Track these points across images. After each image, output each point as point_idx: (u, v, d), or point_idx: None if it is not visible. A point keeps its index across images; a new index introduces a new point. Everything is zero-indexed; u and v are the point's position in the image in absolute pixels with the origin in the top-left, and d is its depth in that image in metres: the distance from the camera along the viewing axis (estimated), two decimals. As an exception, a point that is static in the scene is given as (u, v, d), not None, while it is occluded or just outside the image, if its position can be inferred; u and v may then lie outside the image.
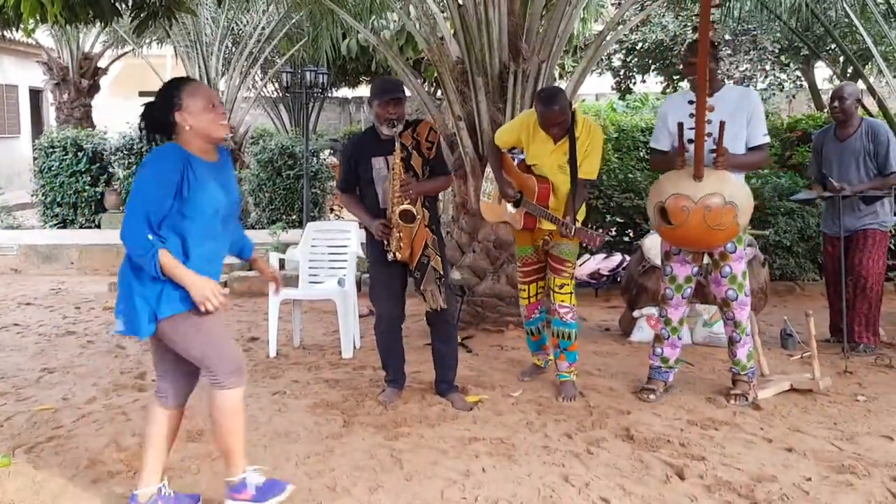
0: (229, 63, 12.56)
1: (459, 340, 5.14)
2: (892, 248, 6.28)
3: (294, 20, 11.69)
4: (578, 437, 3.52)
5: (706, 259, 4.05)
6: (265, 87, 16.14)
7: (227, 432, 2.75)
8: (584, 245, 3.97)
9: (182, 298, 2.60)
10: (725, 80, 11.70)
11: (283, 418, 3.81)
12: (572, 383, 4.12)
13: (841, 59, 11.89)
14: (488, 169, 4.43)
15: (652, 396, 4.01)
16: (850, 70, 12.02)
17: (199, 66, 12.34)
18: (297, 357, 5.03)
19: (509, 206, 4.15)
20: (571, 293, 4.12)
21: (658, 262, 4.67)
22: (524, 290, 4.36)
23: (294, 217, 10.71)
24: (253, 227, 10.90)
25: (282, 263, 7.04)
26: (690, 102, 3.75)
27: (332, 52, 12.28)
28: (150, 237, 2.53)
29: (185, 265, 2.59)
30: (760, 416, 3.78)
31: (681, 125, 3.76)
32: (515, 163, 4.22)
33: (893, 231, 4.98)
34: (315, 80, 11.11)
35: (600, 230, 3.85)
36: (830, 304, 4.95)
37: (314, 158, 11.08)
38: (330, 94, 17.87)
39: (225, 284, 7.92)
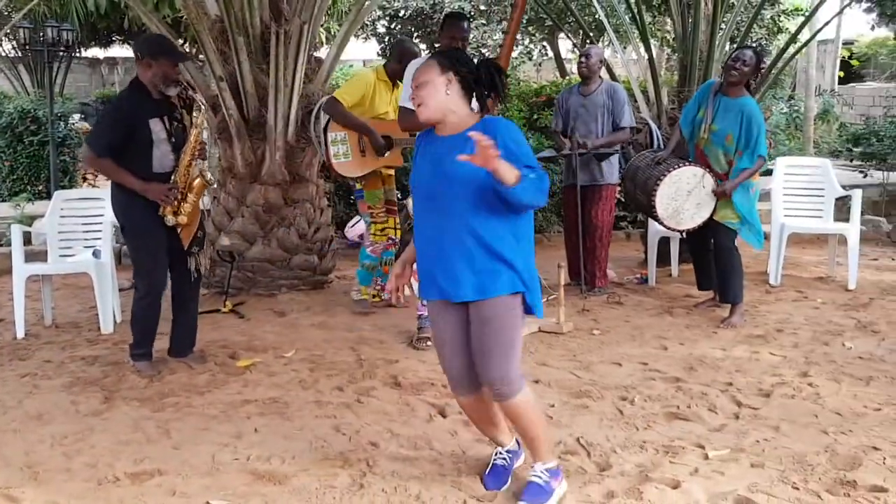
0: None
1: (231, 307, 5.10)
2: (620, 200, 7.11)
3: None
4: (349, 389, 3.66)
5: None
6: (0, 44, 14.40)
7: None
8: None
9: None
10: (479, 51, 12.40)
11: (35, 400, 3.55)
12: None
13: (580, 31, 13.06)
14: (332, 134, 4.82)
15: (429, 343, 4.25)
16: (588, 42, 13.23)
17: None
18: (49, 336, 4.67)
19: (387, 153, 4.79)
20: (399, 227, 5.19)
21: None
22: (380, 226, 5.02)
23: (41, 188, 9.76)
24: (-9, 200, 9.78)
25: (28, 238, 6.44)
26: None
27: (82, 7, 11.23)
28: None
29: None
30: (513, 354, 4.17)
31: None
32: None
33: (620, 185, 5.62)
34: (59, 38, 10.14)
35: None
36: (568, 250, 5.51)
37: (61, 123, 10.13)
38: (78, 54, 16.31)
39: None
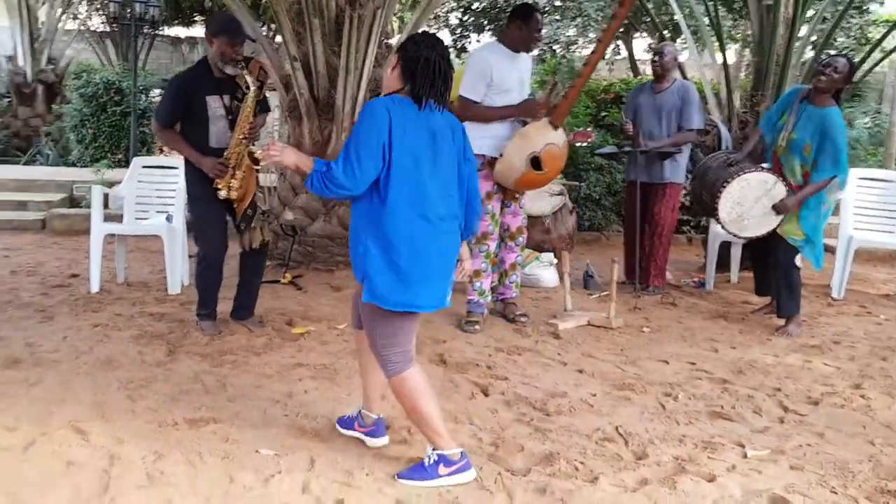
0: (51, -10, 11.62)
1: (290, 279, 5.28)
2: (685, 203, 7.05)
3: (123, -54, 10.95)
4: (398, 363, 3.77)
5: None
6: (89, 18, 15.03)
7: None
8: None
9: None
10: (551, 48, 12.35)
11: (106, 348, 3.79)
12: None
13: (656, 31, 12.87)
14: None
15: (477, 327, 4.35)
16: (662, 41, 13.07)
17: (19, -8, 11.33)
18: (120, 293, 4.94)
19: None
20: None
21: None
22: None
23: (120, 156, 10.19)
24: (75, 165, 10.27)
25: (106, 202, 6.77)
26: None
27: (168, -15, 11.65)
28: None
29: None
30: (559, 343, 4.23)
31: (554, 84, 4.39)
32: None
33: (687, 188, 5.56)
34: (145, 13, 10.55)
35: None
36: (627, 247, 5.50)
37: (143, 96, 10.55)
38: (161, 32, 16.88)
39: (44, 223, 7.50)
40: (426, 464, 2.62)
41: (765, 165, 4.60)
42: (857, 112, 12.25)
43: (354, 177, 2.47)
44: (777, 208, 4.38)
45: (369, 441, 2.84)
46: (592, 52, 4.40)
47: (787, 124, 4.43)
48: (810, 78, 4.42)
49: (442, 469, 2.59)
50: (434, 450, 2.62)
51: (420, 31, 3.88)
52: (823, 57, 4.40)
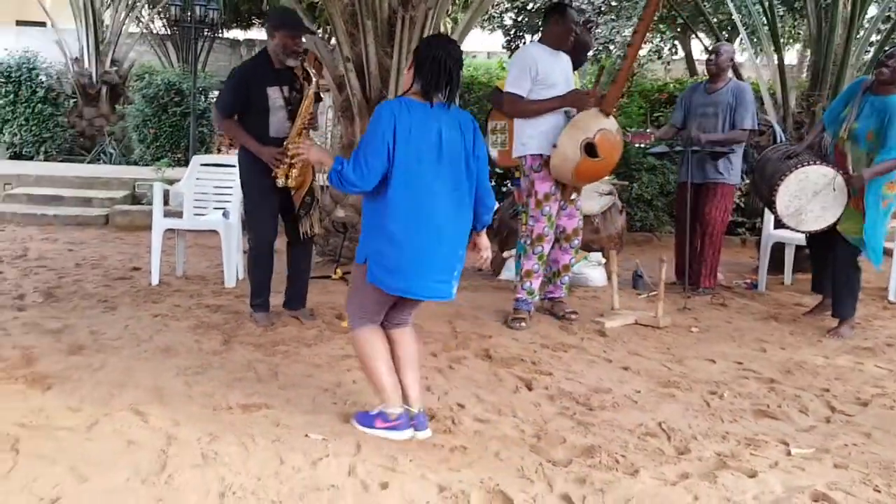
0: (116, -6, 12.05)
1: (341, 275, 5.41)
2: (740, 204, 6.96)
3: (185, -48, 11.31)
4: (443, 356, 3.86)
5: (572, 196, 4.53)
6: (152, 21, 15.51)
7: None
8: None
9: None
10: (607, 48, 12.28)
11: (164, 336, 3.95)
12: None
13: (725, 31, 12.70)
14: (493, 123, 4.76)
15: (524, 324, 4.41)
16: (718, 41, 12.89)
17: (84, -4, 11.78)
18: (179, 285, 5.13)
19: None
20: None
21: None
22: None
23: (180, 155, 10.53)
24: (136, 164, 10.64)
25: (167, 199, 7.03)
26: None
27: (226, -11, 11.94)
28: None
29: None
30: (605, 341, 4.25)
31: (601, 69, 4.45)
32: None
33: (742, 189, 5.53)
34: (205, 16, 10.86)
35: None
36: (678, 248, 5.48)
37: (202, 97, 10.87)
38: (220, 35, 17.33)
39: (107, 219, 7.81)
40: (371, 413, 2.92)
41: (823, 159, 4.53)
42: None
43: (362, 174, 2.69)
44: (849, 184, 4.33)
45: (394, 435, 2.86)
46: (634, 33, 4.40)
47: (849, 115, 4.38)
48: (873, 70, 4.34)
49: (379, 423, 2.87)
50: (381, 404, 2.89)
51: (436, 33, 4.05)
52: (887, 48, 4.31)
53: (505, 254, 5.71)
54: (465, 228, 2.89)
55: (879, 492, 2.57)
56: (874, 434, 3.05)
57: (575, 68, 4.55)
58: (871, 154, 4.32)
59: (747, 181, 5.49)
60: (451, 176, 2.80)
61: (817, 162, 4.42)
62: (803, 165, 4.40)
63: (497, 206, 6.88)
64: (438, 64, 2.75)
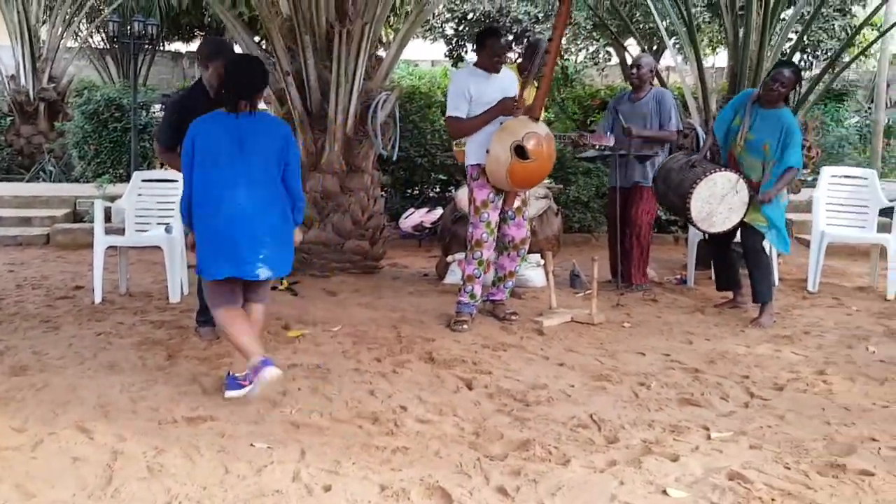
0: (51, 10, 11.84)
1: (287, 285, 5.49)
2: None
3: (122, -33, 11.22)
4: (387, 361, 3.98)
5: (515, 205, 4.66)
6: (91, 36, 15.31)
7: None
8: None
9: None
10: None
11: (108, 354, 3.99)
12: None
13: (655, 37, 13.08)
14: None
15: (465, 327, 4.56)
16: (645, 49, 13.31)
17: (18, 12, 11.58)
18: (122, 303, 5.15)
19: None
20: None
21: (468, 212, 5.21)
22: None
23: (122, 171, 10.42)
24: (77, 181, 10.51)
25: (108, 216, 7.00)
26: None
27: (165, 3, 11.88)
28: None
29: None
30: (543, 339, 4.43)
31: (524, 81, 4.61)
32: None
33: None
34: (144, 31, 10.79)
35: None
36: (610, 248, 5.70)
37: (143, 112, 10.79)
38: (161, 48, 17.17)
39: (48, 238, 7.72)
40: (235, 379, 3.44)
41: (723, 165, 4.86)
42: (845, 111, 12.43)
43: (185, 182, 3.38)
44: (759, 200, 4.66)
45: (253, 387, 3.27)
46: (549, 41, 4.60)
47: (742, 126, 4.73)
48: (761, 86, 4.71)
49: (244, 383, 3.37)
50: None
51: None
52: (772, 70, 4.70)
53: (448, 258, 5.85)
54: (272, 221, 3.39)
55: (789, 469, 2.77)
56: (787, 416, 3.28)
57: (538, 74, 4.68)
58: (766, 163, 4.71)
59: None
60: (252, 174, 3.31)
61: (722, 169, 4.75)
62: (711, 173, 4.70)
63: (441, 211, 7.06)
64: (237, 82, 3.34)
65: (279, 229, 3.43)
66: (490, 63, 4.56)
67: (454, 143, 5.20)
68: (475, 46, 4.72)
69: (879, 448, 2.95)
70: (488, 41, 4.58)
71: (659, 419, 3.25)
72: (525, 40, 11.23)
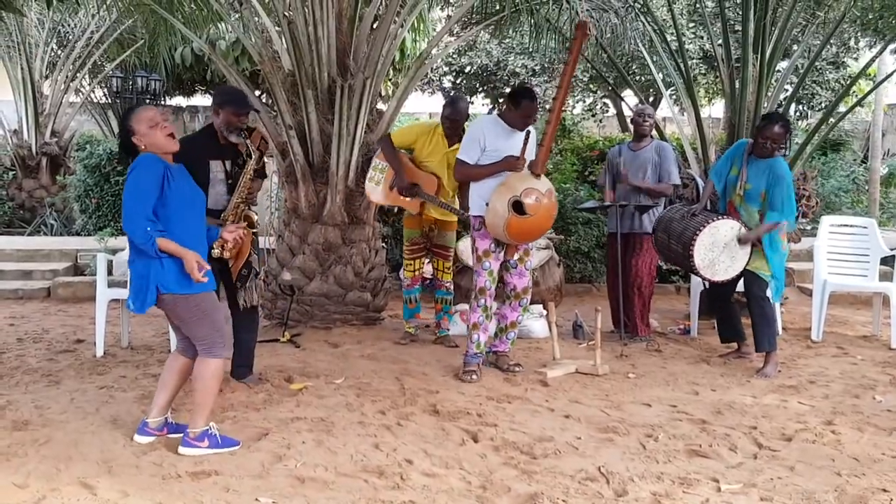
0: (54, 66, 12.03)
1: (289, 337, 5.47)
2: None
3: (126, 25, 11.44)
4: (391, 413, 3.95)
5: (516, 255, 4.68)
6: (93, 91, 15.53)
7: (207, 391, 3.42)
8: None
9: (177, 280, 3.31)
10: (543, 107, 12.76)
11: (111, 408, 3.96)
12: (449, 337, 5.50)
13: (651, 88, 13.34)
14: (377, 161, 5.44)
15: (474, 377, 4.54)
16: (651, 98, 13.55)
17: (22, 68, 11.77)
18: (124, 356, 5.13)
19: (408, 197, 5.16)
20: (451, 270, 5.54)
21: (470, 262, 5.25)
22: (410, 265, 5.51)
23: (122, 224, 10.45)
24: (79, 234, 10.54)
25: (111, 269, 7.01)
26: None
27: (169, 59, 12.08)
28: (148, 228, 3.26)
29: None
30: (547, 391, 4.40)
31: (527, 137, 4.55)
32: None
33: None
34: (147, 87, 10.97)
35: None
36: (610, 298, 5.71)
37: (145, 165, 10.86)
38: (163, 102, 17.41)
39: (49, 291, 7.72)
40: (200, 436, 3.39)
41: (724, 213, 4.92)
42: (841, 161, 12.58)
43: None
44: (741, 239, 4.74)
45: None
46: (553, 100, 4.67)
47: (740, 176, 4.81)
48: (753, 139, 4.80)
49: (210, 442, 3.39)
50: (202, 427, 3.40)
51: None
52: (761, 123, 4.79)
53: (451, 309, 5.85)
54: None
55: (800, 521, 2.74)
56: (797, 467, 3.25)
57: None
58: (762, 212, 4.79)
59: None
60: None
61: (723, 217, 4.79)
62: (713, 220, 4.74)
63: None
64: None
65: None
66: (519, 121, 4.61)
67: (368, 178, 5.47)
68: (509, 101, 4.67)
69: (891, 499, 2.92)
70: (524, 101, 4.57)
71: (668, 471, 3.22)
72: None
